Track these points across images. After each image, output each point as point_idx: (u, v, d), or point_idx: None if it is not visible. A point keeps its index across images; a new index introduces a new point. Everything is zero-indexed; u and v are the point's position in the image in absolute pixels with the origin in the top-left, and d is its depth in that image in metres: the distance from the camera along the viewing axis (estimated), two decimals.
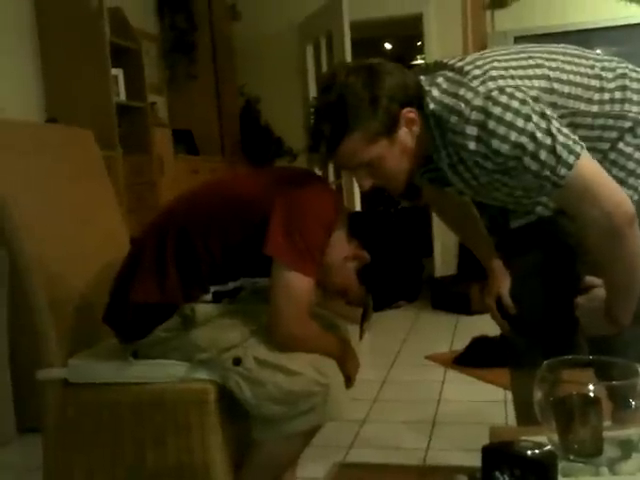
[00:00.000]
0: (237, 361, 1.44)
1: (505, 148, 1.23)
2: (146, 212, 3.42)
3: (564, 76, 1.34)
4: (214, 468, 1.48)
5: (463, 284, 4.23)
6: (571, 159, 1.22)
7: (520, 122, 1.21)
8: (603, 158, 1.37)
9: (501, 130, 1.22)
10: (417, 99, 1.31)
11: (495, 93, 1.24)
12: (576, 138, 1.25)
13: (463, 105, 1.25)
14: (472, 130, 1.25)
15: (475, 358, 3.07)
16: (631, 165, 1.39)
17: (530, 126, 1.21)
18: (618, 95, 1.37)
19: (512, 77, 1.28)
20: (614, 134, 1.37)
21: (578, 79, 1.35)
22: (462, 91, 1.27)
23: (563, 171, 1.23)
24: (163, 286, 1.48)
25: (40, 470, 1.62)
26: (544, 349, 1.60)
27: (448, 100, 1.28)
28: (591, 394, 0.92)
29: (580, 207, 1.27)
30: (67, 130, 2.22)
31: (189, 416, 1.48)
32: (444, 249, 4.67)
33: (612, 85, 1.37)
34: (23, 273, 1.57)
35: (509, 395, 2.64)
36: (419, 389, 2.89)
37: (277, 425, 1.44)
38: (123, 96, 3.46)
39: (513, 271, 1.75)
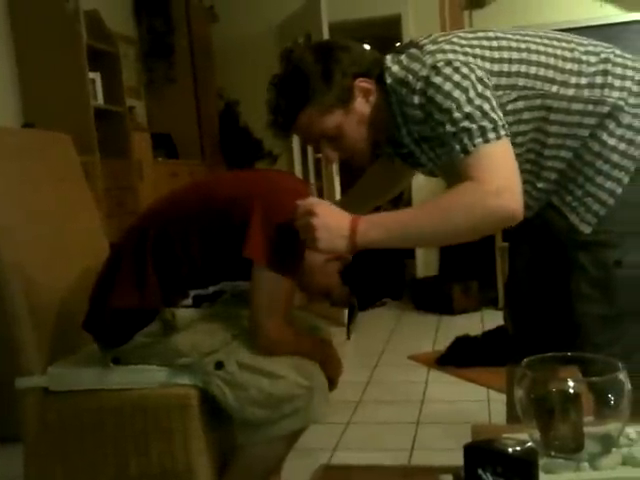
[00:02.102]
0: (219, 365, 1.43)
1: (437, 115, 1.27)
2: (125, 217, 3.39)
3: (533, 57, 1.35)
4: (198, 473, 1.47)
5: (445, 284, 4.26)
6: (491, 135, 1.23)
7: (456, 93, 1.25)
8: (583, 147, 1.36)
9: (438, 98, 1.26)
10: (376, 74, 1.37)
11: (441, 64, 1.27)
12: (506, 126, 1.26)
13: (411, 77, 1.31)
14: (417, 99, 1.30)
15: (458, 358, 3.09)
16: (615, 157, 1.38)
17: (463, 98, 1.25)
18: (599, 80, 1.37)
19: (465, 54, 1.30)
20: (593, 120, 1.37)
21: (551, 61, 1.35)
22: (413, 64, 1.32)
23: (478, 141, 1.23)
24: (142, 291, 1.46)
25: (21, 479, 1.60)
26: (541, 345, 1.61)
27: (401, 74, 1.34)
28: (571, 390, 0.92)
29: (477, 174, 1.23)
30: (44, 134, 2.19)
31: (171, 421, 1.47)
32: (426, 250, 4.70)
33: (592, 69, 1.37)
34: (1, 279, 1.55)
35: (492, 394, 2.67)
36: (403, 390, 2.90)
37: (260, 429, 1.43)
38: (101, 100, 3.43)
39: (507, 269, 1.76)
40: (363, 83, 1.35)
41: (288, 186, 1.49)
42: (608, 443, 0.93)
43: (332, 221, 1.27)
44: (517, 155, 1.30)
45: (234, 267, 1.48)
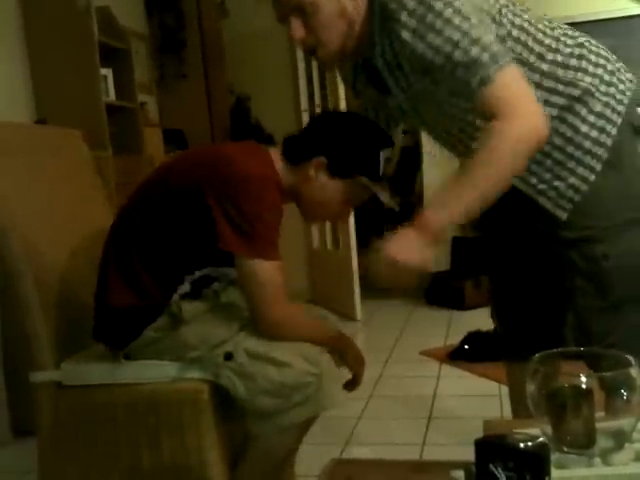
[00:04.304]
0: (228, 356, 1.44)
1: (437, 41, 1.24)
2: None
3: (517, 20, 1.36)
4: (210, 467, 1.48)
5: (457, 279, 4.25)
6: (502, 61, 1.24)
7: (457, 19, 1.23)
8: (553, 130, 1.36)
9: (438, 24, 1.23)
10: None
11: None
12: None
13: None
14: (410, 21, 1.26)
15: (469, 353, 3.08)
16: (587, 144, 1.39)
17: (466, 25, 1.23)
18: (573, 62, 1.38)
19: None
20: (562, 101, 1.38)
21: (532, 30, 1.37)
22: None
23: (493, 69, 1.23)
24: (137, 287, 1.48)
25: (35, 473, 1.61)
26: (529, 342, 1.63)
27: None
28: (583, 386, 0.92)
29: (499, 109, 1.25)
30: (56, 131, 2.20)
31: (183, 416, 1.48)
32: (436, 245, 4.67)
33: (568, 50, 1.39)
34: (14, 274, 1.56)
35: (504, 389, 2.66)
36: (414, 385, 2.90)
37: (272, 419, 1.44)
38: (113, 96, 3.44)
39: (492, 266, 1.76)
40: None
41: (240, 167, 1.44)
42: (621, 438, 0.93)
43: (405, 249, 1.29)
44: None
45: (215, 253, 1.46)
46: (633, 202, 1.44)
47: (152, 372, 1.50)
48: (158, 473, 1.49)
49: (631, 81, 1.44)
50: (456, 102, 1.37)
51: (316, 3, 1.32)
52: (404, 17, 1.25)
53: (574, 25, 1.38)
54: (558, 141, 1.40)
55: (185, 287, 1.50)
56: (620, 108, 1.40)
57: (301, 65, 4.60)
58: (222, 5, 4.76)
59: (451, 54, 1.24)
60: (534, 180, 1.44)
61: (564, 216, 1.43)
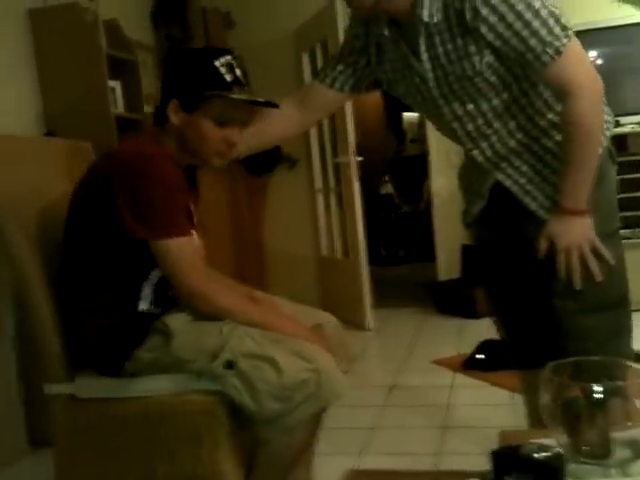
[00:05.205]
0: (229, 364, 1.44)
1: (509, 16, 1.33)
2: None
3: None
4: (225, 477, 1.47)
5: (468, 287, 4.22)
6: (570, 32, 1.37)
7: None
8: (549, 136, 1.51)
9: (519, 5, 1.33)
10: None
11: None
12: None
13: None
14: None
15: (483, 361, 3.06)
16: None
17: (539, 1, 1.34)
18: None
19: None
20: None
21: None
22: None
23: (565, 40, 1.36)
24: (101, 308, 1.51)
25: None
26: (534, 349, 1.65)
27: None
28: (598, 396, 0.91)
29: (573, 75, 1.38)
30: (66, 143, 2.22)
31: (197, 427, 1.48)
32: (447, 253, 4.66)
33: None
34: (27, 286, 1.57)
35: (518, 398, 2.63)
36: (428, 394, 2.88)
37: (279, 421, 1.43)
38: (121, 108, 3.45)
39: (486, 274, 1.79)
40: None
41: (121, 156, 1.51)
42: (637, 449, 0.91)
43: (570, 228, 1.46)
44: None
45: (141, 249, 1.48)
46: (611, 218, 1.57)
47: (164, 385, 1.50)
48: None
49: (610, 115, 1.56)
50: (488, 97, 1.47)
51: None
52: None
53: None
54: (553, 147, 1.50)
55: (147, 293, 1.53)
56: (607, 133, 1.52)
57: (307, 75, 4.62)
58: (228, 16, 4.78)
59: (530, 22, 1.33)
60: (523, 180, 1.54)
61: (545, 216, 1.52)
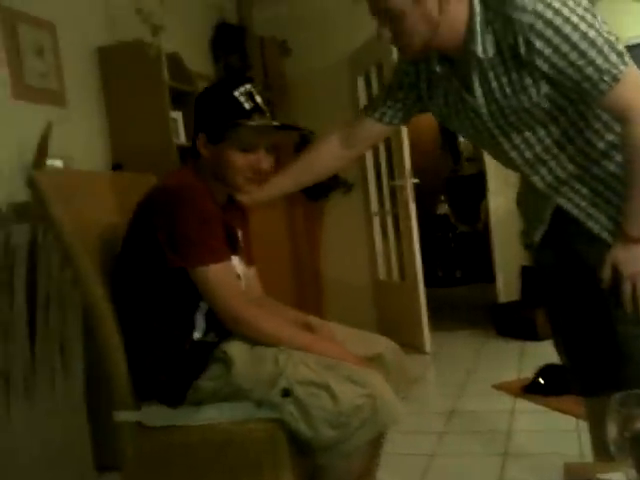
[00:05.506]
0: (286, 392, 1.45)
1: (564, 47, 1.32)
2: None
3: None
4: None
5: (528, 309, 4.15)
6: (627, 58, 1.35)
7: (583, 25, 1.31)
8: (609, 158, 1.48)
9: (567, 29, 1.31)
10: None
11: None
12: None
13: None
14: (531, 18, 1.32)
15: (545, 386, 3.00)
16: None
17: (595, 29, 1.32)
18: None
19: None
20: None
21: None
22: None
23: (622, 67, 1.33)
24: (157, 340, 1.56)
25: None
26: (596, 376, 1.62)
27: None
28: None
29: (631, 101, 1.36)
30: (132, 176, 2.30)
31: (258, 454, 1.49)
32: (506, 274, 4.60)
33: None
34: (96, 320, 1.63)
35: (582, 424, 2.57)
36: (488, 420, 2.84)
37: (336, 447, 1.44)
38: (183, 138, 3.56)
39: (547, 297, 1.77)
40: None
41: (158, 191, 1.57)
42: None
43: (635, 257, 1.45)
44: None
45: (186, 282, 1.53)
46: None
47: (225, 413, 1.53)
48: None
49: None
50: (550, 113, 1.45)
51: (402, 10, 1.39)
52: (526, 17, 1.32)
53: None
54: (614, 169, 1.47)
55: (200, 322, 1.58)
56: None
57: (362, 99, 4.67)
58: (284, 44, 4.88)
59: (586, 52, 1.32)
60: (584, 203, 1.52)
61: (610, 239, 1.49)
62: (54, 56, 3.04)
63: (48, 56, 3.00)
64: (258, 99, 1.58)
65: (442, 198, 7.30)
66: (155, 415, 1.58)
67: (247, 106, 1.55)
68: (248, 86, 1.58)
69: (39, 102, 2.93)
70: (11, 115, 2.77)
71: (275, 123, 1.61)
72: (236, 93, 1.56)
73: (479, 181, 4.93)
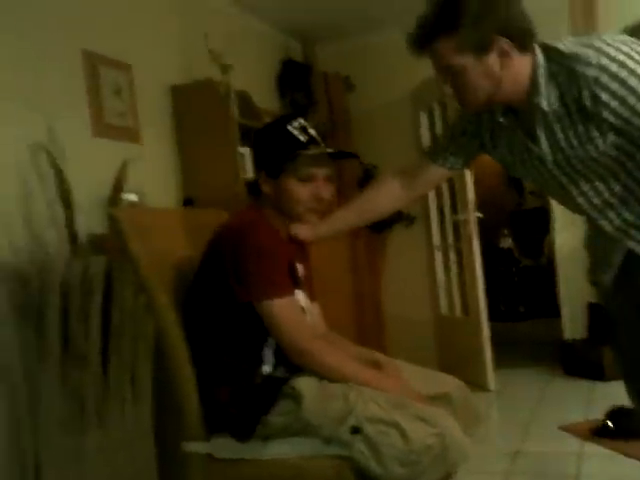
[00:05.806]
0: (356, 430, 1.46)
1: (631, 99, 1.31)
2: None
3: None
4: None
5: (595, 348, 4.02)
6: None
7: None
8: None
9: (632, 81, 1.31)
10: (521, 42, 1.41)
11: (625, 50, 1.34)
12: None
13: (591, 52, 1.34)
14: (595, 72, 1.33)
15: (615, 429, 2.90)
16: None
17: None
18: None
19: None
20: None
21: None
22: (586, 48, 1.36)
23: None
24: (224, 371, 1.60)
25: None
26: None
27: (572, 48, 1.39)
28: None
29: None
30: (203, 212, 2.38)
31: None
32: (571, 309, 4.48)
33: None
34: (169, 343, 1.67)
35: None
36: (555, 462, 2.76)
37: None
38: (250, 173, 3.65)
39: (617, 340, 1.74)
40: (505, 45, 1.40)
41: (225, 229, 1.64)
42: None
43: None
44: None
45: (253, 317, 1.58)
46: None
47: (294, 448, 1.55)
48: None
49: None
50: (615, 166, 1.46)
51: (464, 67, 1.42)
52: (591, 71, 1.34)
53: None
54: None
55: (268, 357, 1.61)
56: None
57: (425, 134, 4.69)
58: (348, 80, 4.96)
59: None
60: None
61: None
62: (130, 95, 3.19)
63: (125, 95, 3.16)
64: (312, 132, 1.64)
65: (505, 232, 7.21)
66: (224, 447, 1.61)
67: (302, 138, 1.62)
68: (301, 120, 1.65)
69: (116, 139, 3.08)
70: (91, 152, 2.92)
71: (330, 150, 1.66)
72: (290, 127, 1.63)
73: (543, 215, 4.86)
